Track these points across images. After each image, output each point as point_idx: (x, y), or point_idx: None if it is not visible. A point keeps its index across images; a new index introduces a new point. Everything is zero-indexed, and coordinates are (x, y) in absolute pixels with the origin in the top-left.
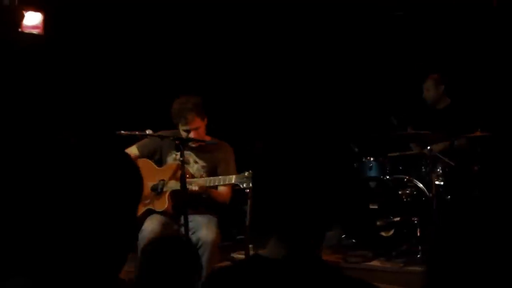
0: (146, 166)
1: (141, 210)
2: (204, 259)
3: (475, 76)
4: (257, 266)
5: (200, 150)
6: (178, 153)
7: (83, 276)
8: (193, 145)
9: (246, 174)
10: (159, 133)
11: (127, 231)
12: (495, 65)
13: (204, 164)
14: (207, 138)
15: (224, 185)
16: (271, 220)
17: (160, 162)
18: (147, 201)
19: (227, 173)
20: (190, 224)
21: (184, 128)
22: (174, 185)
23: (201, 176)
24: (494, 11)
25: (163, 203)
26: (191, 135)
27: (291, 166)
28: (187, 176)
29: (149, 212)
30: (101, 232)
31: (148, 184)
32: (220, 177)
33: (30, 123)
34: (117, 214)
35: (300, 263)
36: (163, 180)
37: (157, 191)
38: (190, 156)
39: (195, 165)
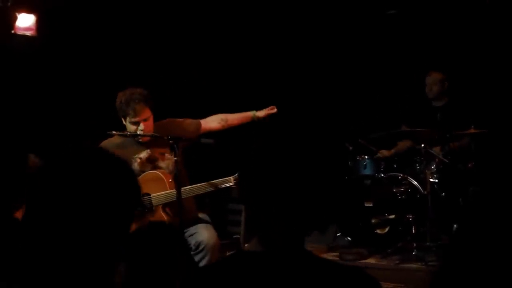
0: None
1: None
2: (204, 264)
3: (470, 73)
4: (237, 261)
5: (155, 142)
6: (142, 156)
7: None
8: (144, 141)
9: None
10: (107, 141)
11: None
12: (490, 62)
13: (170, 151)
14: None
15: (221, 188)
16: (254, 217)
17: None
18: (140, 221)
19: (189, 130)
20: (187, 228)
21: (133, 120)
22: (163, 197)
23: (174, 168)
24: (487, 8)
25: (161, 219)
26: (141, 127)
27: (273, 166)
28: (170, 180)
29: None
30: (89, 237)
31: None
32: (217, 180)
33: (23, 125)
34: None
35: (280, 256)
36: (147, 194)
37: (147, 207)
38: (152, 152)
39: (163, 161)
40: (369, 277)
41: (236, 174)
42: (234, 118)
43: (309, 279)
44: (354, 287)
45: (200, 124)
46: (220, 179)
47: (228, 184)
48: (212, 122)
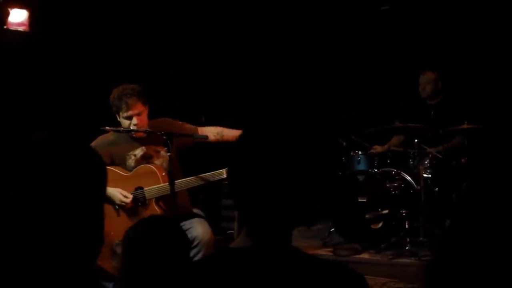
0: (111, 175)
1: (130, 225)
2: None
3: (463, 69)
4: (223, 257)
5: (149, 139)
6: (137, 153)
7: (51, 270)
8: (139, 137)
9: None
10: (100, 138)
11: (93, 223)
12: (484, 58)
13: (163, 150)
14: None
15: (214, 181)
16: (241, 212)
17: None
18: (134, 214)
19: (185, 133)
20: (181, 223)
21: (125, 114)
22: (156, 191)
23: (168, 165)
24: (478, 5)
25: (155, 213)
26: (134, 121)
27: (260, 160)
28: (163, 174)
29: None
30: (66, 225)
31: (116, 194)
32: (209, 173)
33: (14, 120)
34: (83, 205)
35: (265, 251)
36: (140, 187)
37: (140, 201)
38: (146, 149)
39: (158, 159)
40: (354, 273)
41: None
42: (229, 134)
43: (294, 275)
44: (338, 283)
45: (197, 131)
46: (213, 172)
47: (221, 177)
48: (208, 133)
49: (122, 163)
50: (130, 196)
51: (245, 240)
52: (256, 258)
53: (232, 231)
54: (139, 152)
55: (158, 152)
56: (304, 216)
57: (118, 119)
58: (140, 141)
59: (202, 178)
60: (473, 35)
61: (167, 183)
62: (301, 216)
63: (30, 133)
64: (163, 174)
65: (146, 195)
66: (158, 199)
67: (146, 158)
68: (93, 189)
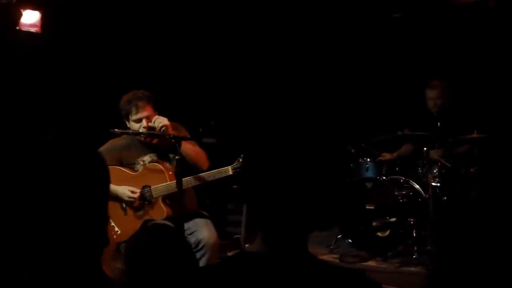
0: (119, 174)
1: (137, 223)
2: (203, 262)
3: (472, 78)
4: (240, 262)
5: (159, 145)
6: (146, 160)
7: (55, 269)
8: (149, 143)
9: (240, 160)
10: (111, 141)
11: (97, 223)
12: (492, 66)
13: (173, 155)
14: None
15: (220, 177)
16: (256, 217)
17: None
18: (141, 213)
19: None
20: (187, 225)
21: (135, 117)
22: (163, 189)
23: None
24: (491, 12)
25: (161, 211)
26: (144, 124)
27: (276, 164)
28: (170, 172)
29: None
30: (70, 225)
31: (124, 191)
32: (215, 170)
33: (26, 122)
34: (85, 206)
35: (283, 257)
36: (148, 186)
37: (147, 199)
38: (156, 156)
39: (166, 161)
40: (372, 281)
41: (234, 164)
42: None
43: (312, 282)
44: None
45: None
46: (219, 169)
47: (227, 173)
48: None
49: (130, 165)
50: (138, 191)
51: (261, 245)
52: (272, 263)
53: (239, 236)
54: (147, 158)
55: (168, 158)
56: (318, 220)
57: (128, 124)
58: (150, 147)
59: (208, 175)
60: (482, 43)
61: (174, 181)
62: (314, 220)
63: (39, 134)
64: (170, 173)
65: (153, 193)
66: (165, 198)
67: None
68: (96, 190)
